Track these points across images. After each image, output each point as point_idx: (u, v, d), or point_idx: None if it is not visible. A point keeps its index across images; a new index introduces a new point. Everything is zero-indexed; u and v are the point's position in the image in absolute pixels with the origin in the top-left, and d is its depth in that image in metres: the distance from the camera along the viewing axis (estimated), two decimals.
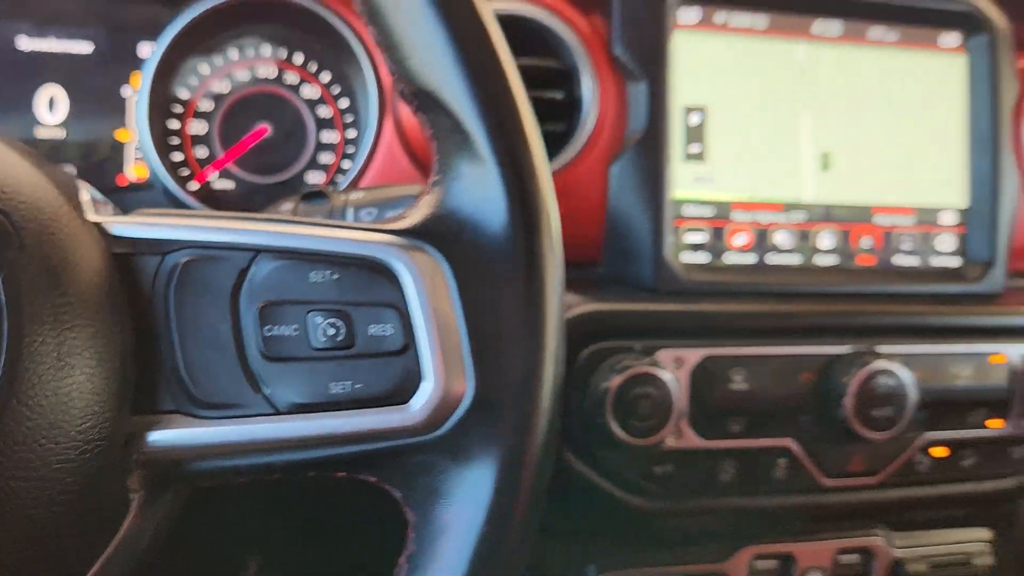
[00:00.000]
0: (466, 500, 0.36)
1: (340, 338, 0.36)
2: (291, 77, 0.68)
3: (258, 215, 0.39)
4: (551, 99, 0.64)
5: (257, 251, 0.36)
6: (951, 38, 0.71)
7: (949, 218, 0.71)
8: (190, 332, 0.35)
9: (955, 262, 0.71)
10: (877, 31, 0.70)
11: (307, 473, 0.37)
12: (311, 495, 0.70)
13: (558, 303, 0.38)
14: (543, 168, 0.38)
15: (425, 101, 0.38)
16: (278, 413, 0.36)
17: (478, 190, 0.37)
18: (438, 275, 0.37)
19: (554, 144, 0.64)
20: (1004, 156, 0.70)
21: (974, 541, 0.75)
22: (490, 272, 0.37)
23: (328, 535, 0.71)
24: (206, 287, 0.36)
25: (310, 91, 0.68)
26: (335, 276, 0.36)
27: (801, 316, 0.64)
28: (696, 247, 0.66)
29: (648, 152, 0.63)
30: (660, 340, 0.61)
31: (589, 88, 0.64)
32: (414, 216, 0.38)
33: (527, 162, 0.38)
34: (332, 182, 0.68)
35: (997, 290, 0.70)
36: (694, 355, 0.61)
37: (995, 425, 0.68)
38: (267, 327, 0.36)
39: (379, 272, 0.37)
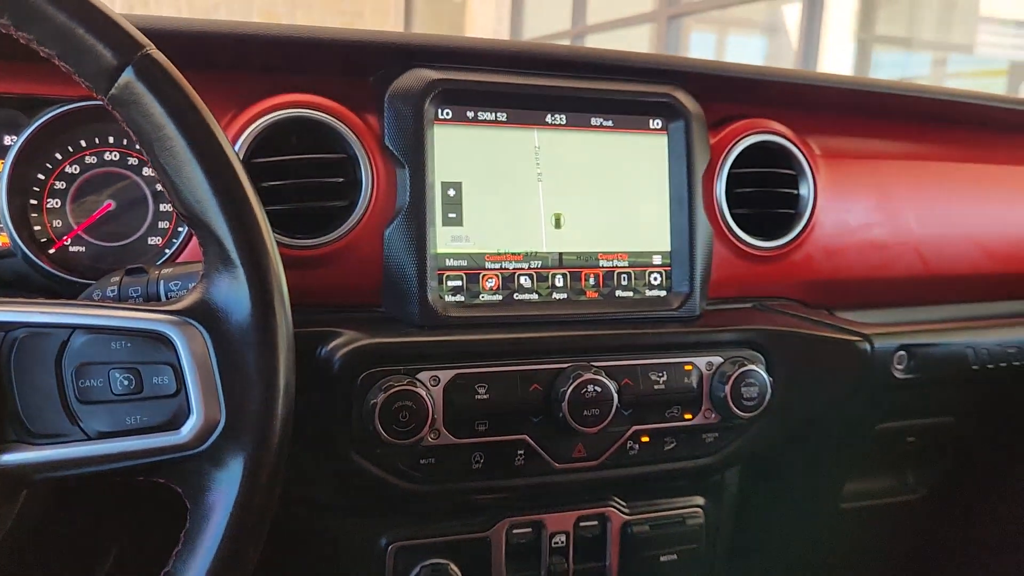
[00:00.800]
0: (223, 491, 0.55)
1: (132, 387, 0.54)
2: (132, 160, 0.85)
3: (76, 301, 0.57)
4: (335, 183, 0.83)
5: (73, 328, 0.54)
6: (656, 122, 0.94)
7: (658, 260, 0.94)
8: (27, 386, 0.53)
9: (662, 293, 0.93)
10: (597, 119, 0.92)
11: (116, 479, 0.55)
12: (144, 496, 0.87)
13: (287, 361, 0.57)
14: (277, 272, 0.57)
15: (195, 222, 0.57)
16: (90, 439, 0.54)
17: (232, 285, 0.56)
18: (201, 343, 0.55)
19: (340, 216, 0.83)
20: (697, 212, 0.93)
21: (689, 507, 0.98)
22: (238, 341, 0.56)
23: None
24: (37, 354, 0.54)
25: (148, 170, 0.85)
26: (128, 344, 0.54)
27: (536, 341, 0.85)
28: (455, 290, 0.86)
29: (412, 220, 0.83)
30: (421, 365, 0.81)
31: (365, 172, 0.83)
32: (186, 300, 0.57)
33: (265, 269, 0.56)
34: (169, 242, 0.85)
35: (694, 315, 0.92)
36: (447, 374, 0.81)
37: (688, 417, 0.90)
38: (81, 380, 0.54)
39: (160, 340, 0.55)
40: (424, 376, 0.80)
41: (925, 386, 1.01)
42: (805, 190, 1.01)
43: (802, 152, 1.00)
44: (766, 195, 0.99)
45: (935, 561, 1.33)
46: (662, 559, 0.95)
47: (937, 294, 1.10)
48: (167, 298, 0.65)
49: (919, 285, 1.09)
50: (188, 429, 0.55)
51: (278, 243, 0.79)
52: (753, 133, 0.98)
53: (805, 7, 5.21)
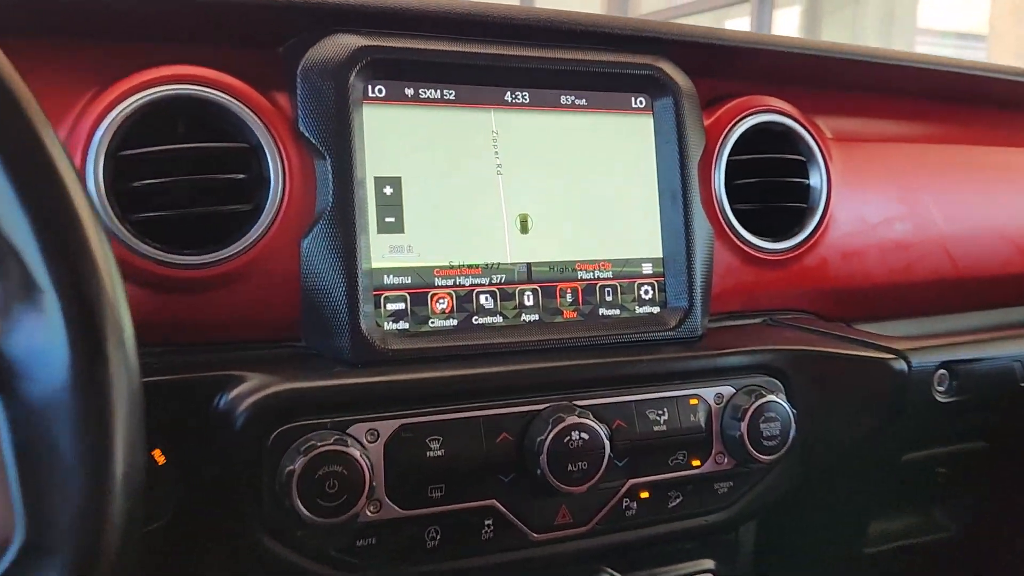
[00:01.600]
0: None
1: None
2: None
3: None
4: (234, 179, 0.63)
5: None
6: (639, 100, 0.76)
7: (648, 268, 0.76)
8: None
9: (655, 310, 0.75)
10: (568, 97, 0.74)
11: None
12: None
13: (127, 434, 0.37)
14: (113, 301, 0.38)
15: None
16: None
17: (39, 324, 0.36)
18: None
19: (241, 224, 0.64)
20: (694, 208, 0.75)
21: (698, 573, 0.79)
22: (47, 409, 0.36)
23: None
24: None
25: None
26: None
27: (501, 376, 0.66)
28: (397, 316, 0.67)
29: (337, 225, 0.64)
30: (354, 415, 0.61)
31: (274, 167, 0.64)
32: None
33: (91, 297, 0.37)
34: None
35: (696, 335, 0.75)
36: (389, 426, 0.62)
37: (696, 464, 0.72)
38: None
39: None
40: (358, 430, 0.61)
41: (969, 411, 0.84)
42: (816, 179, 0.84)
43: (812, 134, 0.84)
44: (772, 187, 0.82)
45: None
46: None
47: (967, 299, 0.94)
48: None
49: (948, 289, 0.93)
50: None
51: (157, 261, 0.60)
52: (754, 112, 0.81)
53: (753, 19, 5.17)
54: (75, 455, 0.35)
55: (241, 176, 0.64)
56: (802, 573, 0.99)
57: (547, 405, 0.66)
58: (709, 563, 0.81)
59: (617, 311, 0.74)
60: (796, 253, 0.83)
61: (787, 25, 5.71)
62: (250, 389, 0.60)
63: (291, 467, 0.57)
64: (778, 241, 0.82)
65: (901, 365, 0.79)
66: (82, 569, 0.35)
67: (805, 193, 0.84)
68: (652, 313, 0.75)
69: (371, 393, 0.62)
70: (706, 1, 5.71)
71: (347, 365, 0.64)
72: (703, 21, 5.92)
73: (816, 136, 0.84)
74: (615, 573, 0.76)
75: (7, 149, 0.36)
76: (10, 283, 0.37)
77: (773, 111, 0.82)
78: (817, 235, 0.83)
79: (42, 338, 0.36)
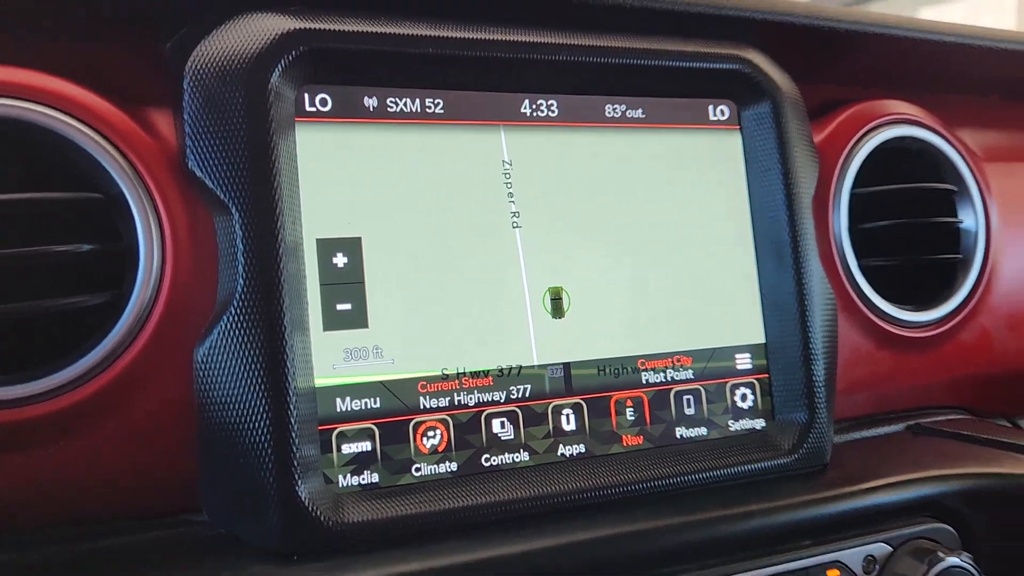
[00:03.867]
0: None
1: None
2: None
3: None
4: (76, 252, 0.38)
5: None
6: (721, 110, 0.51)
7: (745, 362, 0.50)
8: None
9: (758, 424, 0.49)
10: (615, 107, 0.49)
11: None
12: None
13: None
14: None
15: None
16: None
17: None
18: None
19: (93, 328, 0.38)
20: (810, 266, 0.50)
21: None
22: None
23: None
24: None
25: None
26: None
27: (530, 559, 0.40)
28: (360, 464, 0.41)
29: (253, 322, 0.39)
30: None
31: (146, 228, 0.39)
32: None
33: None
34: None
35: (822, 461, 0.49)
36: None
37: None
38: None
39: None
40: None
41: None
42: (971, 218, 0.58)
43: (960, 153, 0.58)
44: (907, 233, 0.57)
45: None
46: None
47: None
48: None
49: None
50: None
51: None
52: (883, 125, 0.56)
53: None
54: None
55: (87, 248, 0.38)
56: None
57: None
58: None
59: (703, 429, 0.48)
60: (948, 326, 0.57)
61: None
62: None
63: None
64: (922, 311, 0.56)
65: None
66: None
67: (956, 238, 0.58)
68: (754, 430, 0.49)
69: None
70: None
71: (274, 557, 0.38)
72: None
73: (966, 156, 0.59)
74: None
75: None
76: None
77: (907, 121, 0.57)
78: (976, 297, 0.58)
79: None
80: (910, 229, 0.57)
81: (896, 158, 0.58)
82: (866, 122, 0.56)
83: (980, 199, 0.59)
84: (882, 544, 0.48)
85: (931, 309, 0.57)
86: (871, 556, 0.47)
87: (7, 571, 0.37)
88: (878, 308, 0.55)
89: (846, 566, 0.47)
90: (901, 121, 0.57)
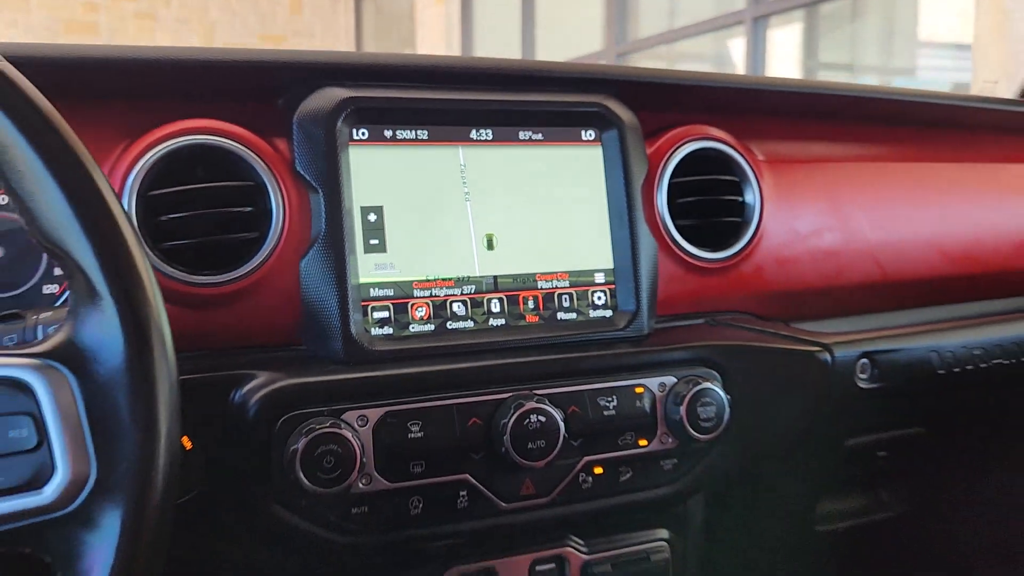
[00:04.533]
0: (99, 557, 0.47)
1: None
2: None
3: None
4: (243, 212, 0.76)
5: None
6: (588, 133, 0.89)
7: (600, 278, 0.88)
8: None
9: (608, 314, 0.88)
10: (525, 133, 0.86)
11: None
12: None
13: (168, 405, 0.50)
14: (154, 303, 0.50)
15: (56, 251, 0.50)
16: None
17: (100, 321, 0.49)
18: (67, 388, 0.48)
19: (250, 249, 0.77)
20: (638, 225, 0.87)
21: (653, 541, 0.91)
22: (109, 384, 0.48)
23: None
24: None
25: None
26: None
27: (472, 372, 0.79)
28: (382, 322, 0.79)
29: (330, 248, 0.76)
30: (346, 404, 0.74)
31: (276, 200, 0.77)
32: (50, 342, 0.50)
33: (138, 300, 0.50)
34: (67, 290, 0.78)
35: (643, 334, 0.87)
36: (376, 413, 0.74)
37: (643, 444, 0.84)
38: None
39: (17, 387, 0.48)
40: (350, 417, 0.73)
41: (892, 396, 0.95)
42: (751, 197, 0.96)
43: (744, 158, 0.96)
44: (710, 205, 0.95)
45: None
46: None
47: (896, 300, 1.06)
48: None
49: (877, 291, 1.04)
50: (52, 488, 0.47)
51: (182, 281, 0.73)
52: (692, 140, 0.94)
53: (749, 39, 5.30)
54: (131, 418, 0.48)
55: (249, 209, 0.77)
56: (754, 547, 1.10)
57: (511, 394, 0.78)
58: (664, 532, 0.92)
59: (573, 315, 0.87)
60: (733, 262, 0.95)
61: (784, 44, 5.82)
62: (260, 384, 0.72)
63: (295, 447, 0.70)
64: (717, 251, 0.94)
65: (825, 356, 0.91)
66: (139, 500, 0.47)
67: (741, 209, 0.96)
68: (604, 316, 0.88)
69: (361, 386, 0.75)
70: (704, 24, 5.85)
71: (340, 364, 0.76)
72: (702, 42, 6.06)
73: (749, 159, 0.96)
74: (579, 540, 0.87)
75: (70, 186, 0.49)
76: (78, 293, 0.50)
77: (709, 138, 0.95)
78: (752, 246, 0.95)
79: (104, 333, 0.49)
80: (712, 203, 0.95)
81: (706, 161, 0.96)
82: (681, 139, 0.93)
83: (757, 185, 0.96)
84: (671, 377, 0.85)
85: (722, 251, 0.95)
86: (663, 383, 0.85)
87: (209, 367, 0.74)
88: (686, 249, 0.92)
89: (648, 387, 0.84)
90: (705, 138, 0.94)
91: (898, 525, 1.18)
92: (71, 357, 0.49)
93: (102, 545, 0.47)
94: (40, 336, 0.61)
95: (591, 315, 0.87)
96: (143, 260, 0.51)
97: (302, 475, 0.69)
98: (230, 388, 0.72)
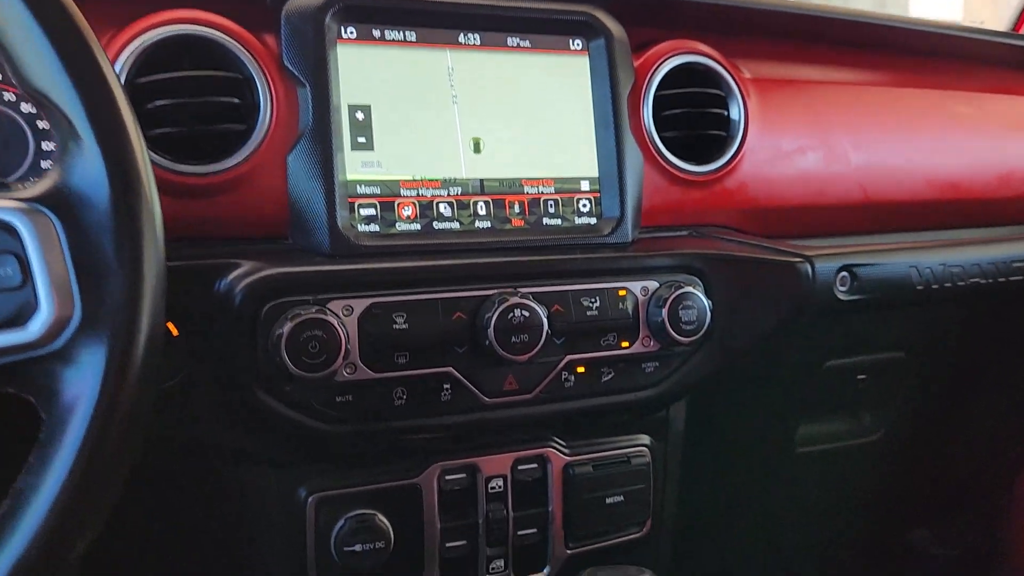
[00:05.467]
0: (82, 393, 0.48)
1: None
2: (8, 95, 0.78)
3: None
4: (230, 103, 0.77)
5: None
6: (576, 43, 0.89)
7: (586, 186, 0.89)
8: None
9: (592, 221, 0.89)
10: (513, 39, 0.87)
11: None
12: None
13: (155, 247, 0.51)
14: (137, 146, 0.51)
15: (40, 100, 0.51)
16: None
17: (85, 165, 0.50)
18: (52, 231, 0.49)
19: (237, 141, 0.77)
20: (624, 134, 0.88)
21: (634, 446, 0.93)
22: (95, 225, 0.49)
23: None
24: None
25: (27, 106, 0.78)
26: None
27: (458, 268, 0.80)
28: (368, 219, 0.80)
29: (317, 143, 0.77)
30: (332, 294, 0.75)
31: (263, 93, 0.78)
32: (36, 188, 0.50)
33: (122, 143, 0.51)
34: None
35: (626, 240, 0.88)
36: (361, 303, 0.75)
37: (625, 345, 0.85)
38: None
39: (2, 228, 0.49)
40: (335, 306, 0.74)
41: (870, 308, 0.97)
42: (736, 113, 0.97)
43: (731, 74, 0.97)
44: (696, 119, 0.95)
45: (895, 505, 1.30)
46: (608, 501, 0.90)
47: (878, 222, 1.07)
48: None
49: (858, 213, 1.06)
50: (37, 325, 0.48)
51: (168, 169, 0.74)
52: (678, 54, 0.95)
53: None
54: (117, 259, 0.49)
55: (236, 101, 0.77)
56: (733, 463, 1.12)
57: (495, 291, 0.79)
58: (645, 438, 0.94)
59: (559, 221, 0.88)
60: (717, 175, 0.96)
61: None
62: (246, 272, 0.73)
63: (280, 331, 0.71)
64: (701, 165, 0.95)
65: (806, 267, 0.92)
66: (124, 337, 0.49)
67: (726, 124, 0.97)
68: (589, 223, 0.89)
69: (347, 278, 0.76)
70: None
71: (327, 257, 0.77)
72: None
73: (735, 76, 0.97)
74: (561, 442, 0.89)
75: (55, 33, 0.50)
76: (63, 140, 0.50)
77: (695, 53, 0.95)
78: (736, 160, 0.96)
79: (89, 177, 0.50)
80: (698, 117, 0.96)
81: (693, 76, 0.96)
82: (668, 52, 0.94)
83: (742, 101, 0.97)
84: (654, 282, 0.87)
85: (706, 165, 0.96)
86: (646, 287, 0.86)
87: (195, 255, 0.75)
88: (671, 161, 0.93)
89: (630, 290, 0.85)
90: (692, 52, 0.95)
91: (878, 449, 1.20)
92: (56, 202, 0.50)
93: (86, 383, 0.48)
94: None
95: (576, 222, 0.88)
96: (127, 106, 0.52)
97: (287, 359, 0.71)
98: (216, 276, 0.73)
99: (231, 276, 0.73)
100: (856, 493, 1.25)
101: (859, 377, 1.14)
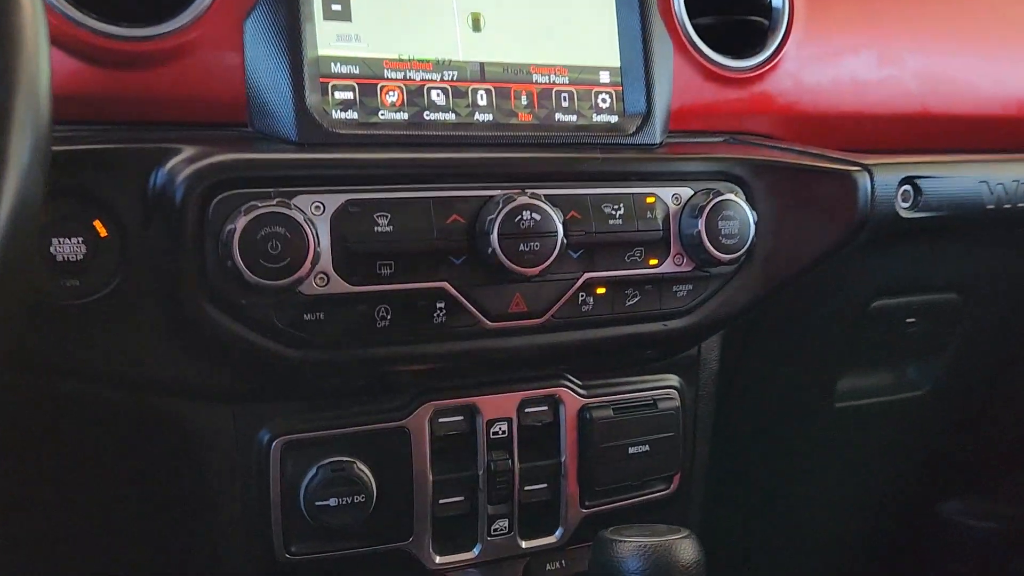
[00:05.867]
0: None
1: None
2: None
3: None
4: None
5: None
6: None
7: (606, 77, 0.74)
8: None
9: (613, 119, 0.74)
10: None
11: None
12: None
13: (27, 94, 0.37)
14: None
15: None
16: None
17: None
18: None
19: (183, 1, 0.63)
20: (652, 14, 0.74)
21: (661, 387, 0.79)
22: None
23: None
24: None
25: None
26: None
27: (454, 163, 0.66)
28: (345, 105, 0.66)
29: (280, 8, 0.63)
30: (299, 187, 0.60)
31: None
32: None
33: None
34: None
35: (654, 141, 0.74)
36: (335, 200, 0.61)
37: (653, 263, 0.71)
38: None
39: None
40: (303, 202, 0.60)
41: (933, 230, 0.83)
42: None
43: None
44: (733, 2, 0.81)
45: (935, 470, 1.16)
46: (631, 451, 0.76)
47: (937, 140, 0.93)
48: None
49: (916, 127, 0.91)
50: None
51: (97, 32, 0.60)
52: None
53: None
54: None
55: None
56: (769, 415, 0.99)
57: (500, 192, 0.65)
58: (673, 379, 0.80)
59: (573, 117, 0.73)
60: (757, 73, 0.81)
61: None
62: (191, 157, 0.59)
63: (232, 227, 0.57)
64: (739, 59, 0.81)
65: (864, 177, 0.78)
66: None
67: (767, 11, 0.83)
68: (610, 121, 0.74)
69: (317, 168, 0.61)
70: None
71: (294, 145, 0.63)
72: None
73: None
74: (575, 380, 0.75)
75: None
76: None
77: None
78: (778, 56, 0.82)
79: None
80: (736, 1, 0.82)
81: None
82: None
83: None
84: (687, 188, 0.73)
85: (744, 59, 0.81)
86: (678, 194, 0.72)
87: (126, 139, 0.60)
88: (704, 53, 0.79)
89: (660, 197, 0.72)
90: None
91: (924, 405, 1.07)
92: None
93: None
94: None
95: (594, 119, 0.74)
96: None
97: (241, 262, 0.56)
98: (153, 163, 0.59)
99: (172, 162, 0.59)
100: (895, 454, 1.12)
101: (907, 321, 1.00)
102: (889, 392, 1.06)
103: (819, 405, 1.01)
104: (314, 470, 0.67)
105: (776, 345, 0.95)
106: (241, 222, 0.56)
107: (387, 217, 0.62)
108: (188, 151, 0.59)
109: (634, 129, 0.74)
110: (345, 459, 0.67)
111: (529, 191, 0.65)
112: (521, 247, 0.64)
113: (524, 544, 0.75)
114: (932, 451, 1.15)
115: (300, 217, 0.58)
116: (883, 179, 0.79)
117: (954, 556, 1.28)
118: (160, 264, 0.59)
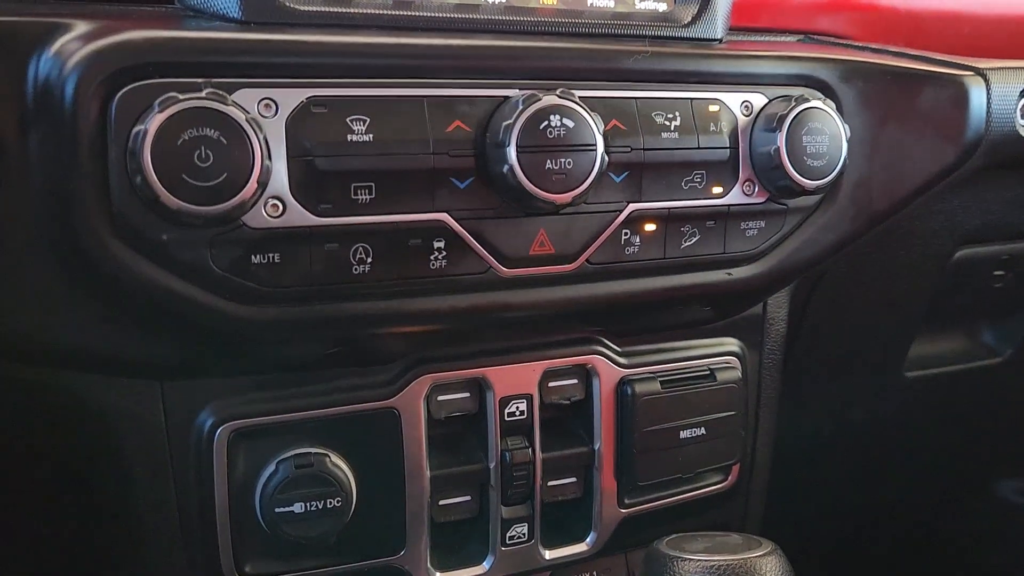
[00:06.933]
0: None
1: None
2: None
3: None
4: None
5: None
6: None
7: None
8: None
9: (662, 6, 0.57)
10: None
11: None
12: None
13: None
14: None
15: None
16: None
17: None
18: None
19: None
20: None
21: (720, 354, 0.62)
22: None
23: None
24: None
25: None
26: None
27: (454, 52, 0.48)
28: None
29: None
30: (242, 78, 0.43)
31: None
32: None
33: None
34: None
35: (714, 36, 0.57)
36: (294, 97, 0.44)
37: (717, 192, 0.54)
38: None
39: None
40: (247, 98, 0.43)
41: None
42: None
43: None
44: None
45: (998, 445, 1.01)
46: (682, 435, 0.59)
47: None
48: None
49: None
50: None
51: None
52: None
53: None
54: None
55: None
56: (838, 385, 0.83)
57: (518, 91, 0.48)
58: (734, 344, 0.63)
59: (611, 2, 0.56)
60: None
61: None
62: (84, 35, 0.42)
63: (142, 127, 0.40)
64: None
65: (979, 85, 0.61)
66: None
67: None
68: (657, 9, 0.57)
69: (267, 52, 0.44)
70: None
71: (237, 24, 0.45)
72: None
73: None
74: (613, 346, 0.58)
75: None
76: None
77: None
78: None
79: None
80: None
81: None
82: None
83: None
84: (760, 95, 0.56)
85: None
86: (748, 102, 0.56)
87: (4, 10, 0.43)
88: None
89: (726, 105, 0.55)
90: None
91: (1003, 374, 0.91)
92: None
93: None
94: None
95: (637, 5, 0.57)
96: None
97: (155, 177, 0.39)
98: (32, 47, 0.42)
99: (60, 42, 0.41)
100: (967, 427, 0.96)
101: (995, 273, 0.84)
102: (964, 360, 0.90)
103: (889, 375, 0.85)
104: (273, 466, 0.50)
105: (843, 303, 0.78)
106: (155, 122, 0.40)
107: (365, 122, 0.45)
108: (82, 27, 0.42)
109: (690, 18, 0.57)
110: (314, 451, 0.51)
111: (559, 90, 0.48)
112: (549, 164, 0.47)
113: (548, 554, 0.59)
114: (994, 425, 0.99)
115: (241, 116, 0.41)
116: (1001, 89, 0.63)
117: (1004, 538, 1.14)
118: (46, 186, 0.42)
